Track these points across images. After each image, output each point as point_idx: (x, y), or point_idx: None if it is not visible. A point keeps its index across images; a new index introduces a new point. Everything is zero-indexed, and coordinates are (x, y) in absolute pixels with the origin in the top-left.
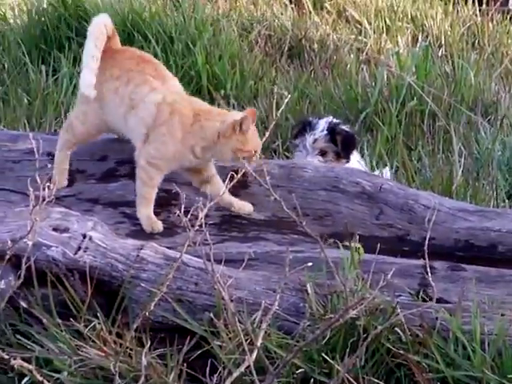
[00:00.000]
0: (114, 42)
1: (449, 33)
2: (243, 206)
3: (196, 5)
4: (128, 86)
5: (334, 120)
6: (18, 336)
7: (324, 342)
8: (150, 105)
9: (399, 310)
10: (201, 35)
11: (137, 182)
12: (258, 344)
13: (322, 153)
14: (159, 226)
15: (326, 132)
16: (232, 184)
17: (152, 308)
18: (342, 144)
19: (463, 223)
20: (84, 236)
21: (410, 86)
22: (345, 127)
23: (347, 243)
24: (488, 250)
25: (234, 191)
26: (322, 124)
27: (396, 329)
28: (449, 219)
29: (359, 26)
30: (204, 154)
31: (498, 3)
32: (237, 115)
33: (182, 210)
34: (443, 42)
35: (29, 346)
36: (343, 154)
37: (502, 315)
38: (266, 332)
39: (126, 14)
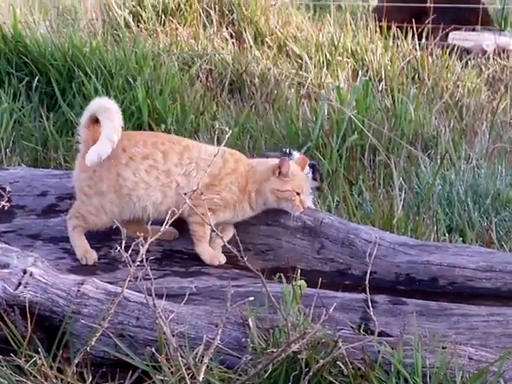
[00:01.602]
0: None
1: (389, 67)
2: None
3: (136, 39)
4: (168, 158)
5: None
6: None
7: (266, 376)
8: (211, 157)
9: (341, 344)
10: (141, 70)
11: (194, 229)
12: (200, 379)
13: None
14: (221, 257)
15: (310, 171)
16: (173, 219)
17: (93, 343)
18: (320, 178)
19: (404, 257)
20: (24, 272)
21: (351, 120)
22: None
23: (289, 277)
24: (429, 284)
25: (177, 226)
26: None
27: (338, 362)
28: (390, 253)
29: (300, 61)
30: (257, 199)
31: (438, 37)
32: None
33: (123, 245)
34: (383, 76)
35: None
36: (320, 186)
37: (444, 348)
38: (208, 366)
39: (67, 50)
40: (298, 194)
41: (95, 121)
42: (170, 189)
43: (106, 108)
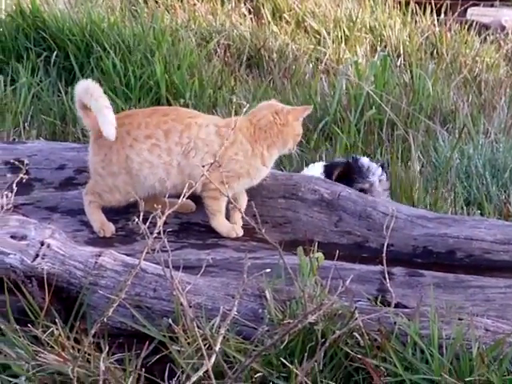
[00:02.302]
0: None
1: (407, 43)
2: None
3: (154, 15)
4: (169, 137)
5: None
6: None
7: (282, 346)
8: (209, 136)
9: (357, 315)
10: (159, 45)
11: (208, 204)
12: (217, 349)
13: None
14: (238, 230)
15: (383, 172)
16: (190, 192)
17: (110, 314)
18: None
19: (421, 230)
20: (42, 243)
21: (369, 95)
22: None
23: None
24: (446, 256)
25: (194, 199)
26: (372, 164)
27: (354, 333)
28: (407, 226)
29: (318, 36)
30: (271, 154)
31: (456, 13)
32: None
33: (141, 217)
34: (401, 52)
35: None
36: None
37: (460, 320)
38: (224, 337)
39: (85, 25)
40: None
41: (85, 107)
42: (172, 167)
43: (85, 90)
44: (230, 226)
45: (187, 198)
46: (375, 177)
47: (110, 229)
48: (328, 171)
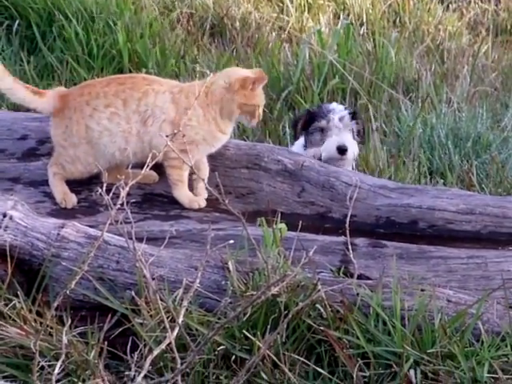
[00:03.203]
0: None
1: (370, 11)
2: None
3: None
4: (127, 106)
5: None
6: None
7: (245, 318)
8: (165, 104)
9: (320, 287)
10: (122, 13)
11: (169, 173)
12: (180, 321)
13: (350, 129)
14: (200, 200)
15: (348, 111)
16: (154, 162)
17: (73, 286)
18: (362, 124)
19: (384, 200)
20: (4, 215)
21: (332, 64)
22: None
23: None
24: (409, 227)
25: (156, 170)
26: (338, 106)
27: (317, 305)
28: (370, 196)
29: (281, 4)
30: (224, 120)
31: None
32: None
33: (104, 188)
34: (365, 20)
35: None
36: (362, 133)
37: (422, 291)
38: (187, 309)
39: None
40: (258, 107)
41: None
42: (131, 135)
43: None
44: (192, 197)
45: (150, 169)
46: (335, 115)
47: (71, 200)
48: (293, 125)
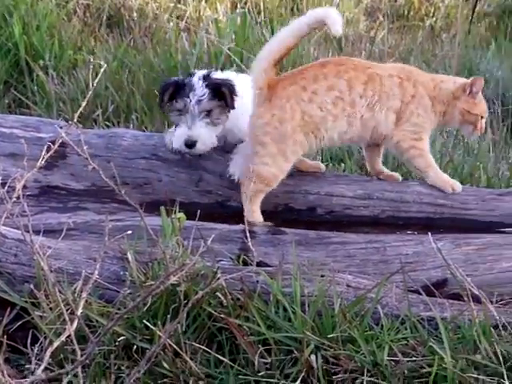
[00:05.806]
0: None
1: None
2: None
3: None
4: (353, 89)
5: (204, 72)
6: None
7: (145, 308)
8: (393, 89)
9: (220, 275)
10: (17, 6)
11: (414, 165)
12: (79, 313)
13: (208, 112)
14: (458, 184)
15: (208, 90)
16: (49, 154)
17: None
18: (229, 96)
19: (282, 187)
20: None
21: (230, 52)
22: (217, 75)
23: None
24: (307, 213)
25: (52, 162)
26: (199, 82)
27: (217, 293)
28: None
29: None
30: (444, 119)
31: None
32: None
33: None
34: (262, 8)
35: None
36: (230, 105)
37: (322, 276)
38: (86, 301)
39: None
40: (481, 117)
41: None
42: (355, 119)
43: None
44: (448, 179)
45: None
46: (194, 97)
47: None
48: (160, 94)
